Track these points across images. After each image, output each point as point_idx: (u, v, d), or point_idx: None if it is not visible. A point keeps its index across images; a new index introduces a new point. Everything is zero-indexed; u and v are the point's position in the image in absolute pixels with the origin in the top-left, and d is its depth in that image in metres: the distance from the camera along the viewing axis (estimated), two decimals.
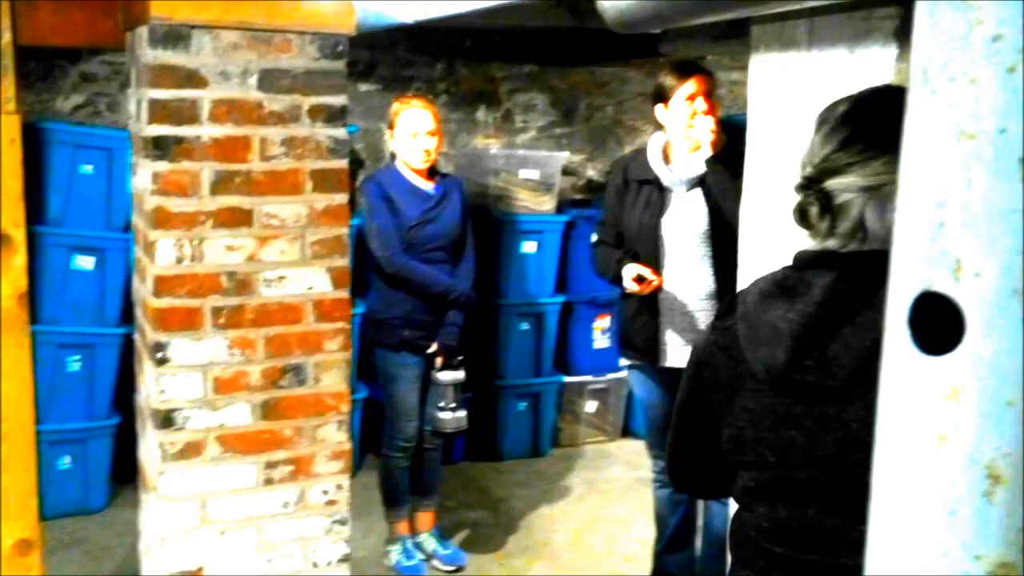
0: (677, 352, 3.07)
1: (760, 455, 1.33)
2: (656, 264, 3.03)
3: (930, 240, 0.40)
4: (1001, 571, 0.39)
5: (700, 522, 3.30)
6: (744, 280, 2.74)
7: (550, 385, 4.88)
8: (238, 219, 2.41)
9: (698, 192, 3.04)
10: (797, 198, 1.32)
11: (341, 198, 2.52)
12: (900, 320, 0.41)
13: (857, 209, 1.26)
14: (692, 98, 3.00)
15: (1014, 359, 0.38)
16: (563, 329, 4.92)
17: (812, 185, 1.30)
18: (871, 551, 0.43)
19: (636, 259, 3.04)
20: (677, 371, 3.10)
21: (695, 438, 1.50)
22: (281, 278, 2.47)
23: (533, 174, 4.73)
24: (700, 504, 3.29)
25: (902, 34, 2.15)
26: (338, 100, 2.48)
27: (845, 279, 1.25)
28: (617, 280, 3.06)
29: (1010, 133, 0.39)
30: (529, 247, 4.71)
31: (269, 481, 2.50)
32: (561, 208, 4.86)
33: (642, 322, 3.09)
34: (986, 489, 0.39)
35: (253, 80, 2.39)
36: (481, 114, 5.09)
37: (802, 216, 1.31)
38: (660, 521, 3.35)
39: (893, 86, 1.62)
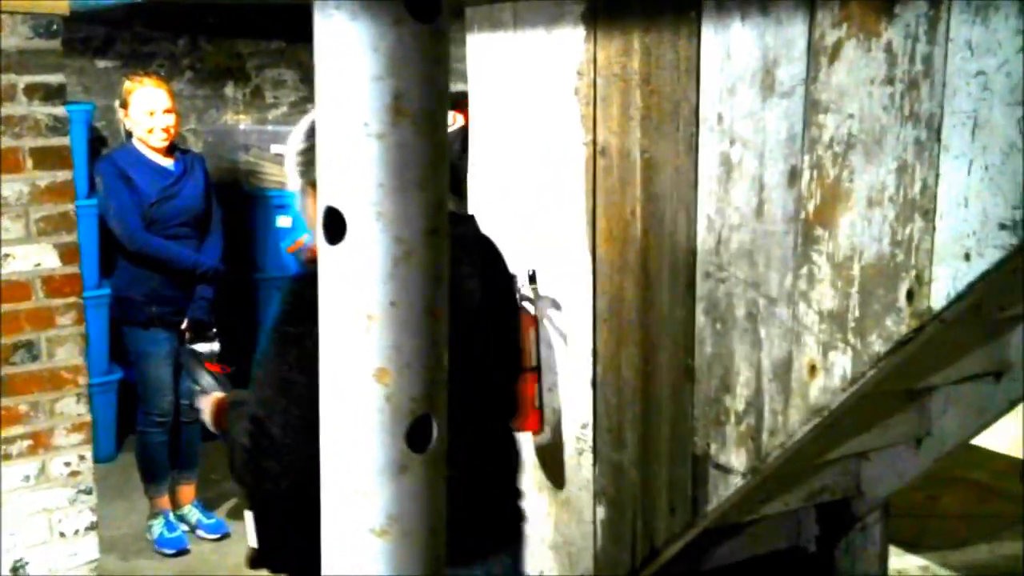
0: None
1: None
2: None
3: (335, 175, 0.63)
4: (380, 375, 0.62)
5: None
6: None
7: None
8: None
9: None
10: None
11: (65, 175, 2.56)
12: (320, 226, 0.64)
13: None
14: None
15: (366, 250, 0.61)
16: None
17: None
18: (322, 373, 0.66)
19: None
20: None
21: None
22: (6, 256, 2.49)
23: (285, 149, 4.82)
24: None
25: (588, 18, 2.48)
26: (55, 78, 2.51)
27: None
28: None
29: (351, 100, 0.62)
30: (284, 221, 4.80)
31: (7, 457, 2.53)
32: None
33: None
34: (365, 325, 0.62)
35: None
36: (229, 90, 5.11)
37: None
38: None
39: None
